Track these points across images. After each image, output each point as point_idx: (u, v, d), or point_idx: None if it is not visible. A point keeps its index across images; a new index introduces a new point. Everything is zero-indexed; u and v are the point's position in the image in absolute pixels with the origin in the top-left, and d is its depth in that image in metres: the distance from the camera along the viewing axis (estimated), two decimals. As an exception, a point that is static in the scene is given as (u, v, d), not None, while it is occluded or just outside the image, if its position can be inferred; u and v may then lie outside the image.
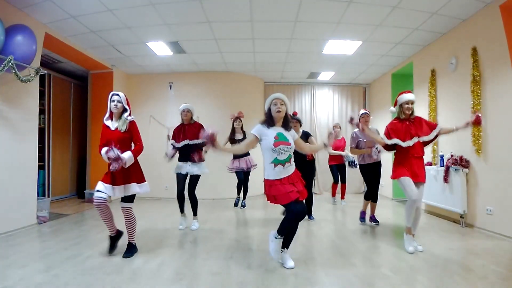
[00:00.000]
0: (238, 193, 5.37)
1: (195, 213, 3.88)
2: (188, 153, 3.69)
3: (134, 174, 2.78)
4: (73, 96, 6.34)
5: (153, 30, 4.35)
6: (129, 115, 2.84)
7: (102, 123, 2.86)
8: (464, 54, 3.92)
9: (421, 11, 3.69)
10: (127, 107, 2.83)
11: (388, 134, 3.02)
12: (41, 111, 5.02)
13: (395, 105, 3.15)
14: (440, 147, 4.46)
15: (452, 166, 3.93)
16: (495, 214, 3.43)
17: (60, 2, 3.50)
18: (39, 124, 4.13)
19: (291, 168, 2.50)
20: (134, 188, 2.75)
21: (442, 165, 4.21)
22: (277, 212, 4.94)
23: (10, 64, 3.15)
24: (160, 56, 5.42)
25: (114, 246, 2.85)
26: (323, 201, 5.81)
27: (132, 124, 2.82)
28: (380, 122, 6.68)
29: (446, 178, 4.04)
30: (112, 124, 2.81)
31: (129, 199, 2.80)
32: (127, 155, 2.67)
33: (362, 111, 4.16)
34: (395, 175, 3.02)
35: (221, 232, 3.67)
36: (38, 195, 4.17)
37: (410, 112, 2.99)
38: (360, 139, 4.01)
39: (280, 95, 2.58)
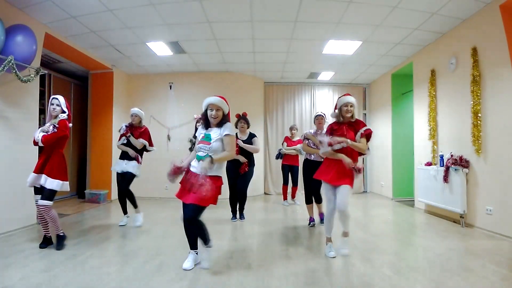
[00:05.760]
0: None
1: (135, 206, 3.97)
2: (127, 152, 3.87)
3: (49, 166, 2.86)
4: (73, 96, 6.34)
5: (153, 30, 4.35)
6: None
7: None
8: (464, 54, 3.92)
9: (421, 11, 3.69)
10: (65, 110, 2.96)
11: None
12: (41, 111, 5.00)
13: (335, 109, 2.96)
14: (440, 147, 4.47)
15: (452, 166, 3.92)
16: (495, 214, 3.43)
17: (60, 2, 3.50)
18: (39, 124, 4.12)
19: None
20: (42, 179, 2.84)
21: (442, 165, 4.21)
22: (277, 211, 4.95)
23: (10, 64, 3.15)
24: (160, 56, 5.42)
25: (46, 244, 2.97)
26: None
27: (60, 121, 2.90)
28: (380, 122, 6.69)
29: (446, 178, 4.04)
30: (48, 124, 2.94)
31: (46, 196, 2.84)
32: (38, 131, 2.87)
33: (318, 112, 3.98)
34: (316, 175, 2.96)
35: (221, 232, 3.67)
36: (38, 195, 4.17)
37: (350, 115, 2.84)
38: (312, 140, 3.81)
39: (216, 100, 2.44)
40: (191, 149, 4.99)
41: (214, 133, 2.49)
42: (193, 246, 2.58)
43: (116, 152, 5.91)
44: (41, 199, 2.84)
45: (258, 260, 2.67)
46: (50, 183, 2.83)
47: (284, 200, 5.69)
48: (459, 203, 3.81)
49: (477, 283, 2.19)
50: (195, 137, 4.93)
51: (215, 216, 4.53)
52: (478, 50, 3.69)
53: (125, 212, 4.01)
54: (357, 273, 2.40)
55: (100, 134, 5.99)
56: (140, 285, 2.19)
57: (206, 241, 2.50)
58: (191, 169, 2.50)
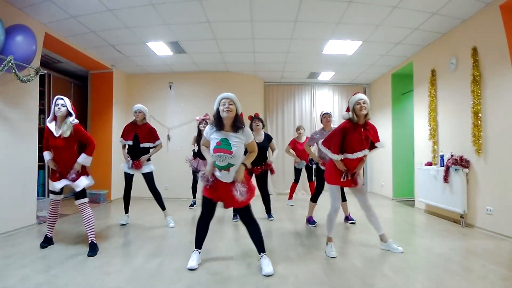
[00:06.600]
0: (194, 196, 5.32)
1: (162, 208, 3.98)
2: (135, 154, 3.86)
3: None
4: (73, 96, 6.33)
5: (153, 30, 4.35)
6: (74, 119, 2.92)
7: (45, 126, 2.90)
8: (464, 54, 3.92)
9: (421, 11, 3.69)
10: (71, 111, 2.86)
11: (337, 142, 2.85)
12: (41, 111, 5.01)
13: (347, 110, 2.91)
14: (441, 147, 4.46)
15: (452, 166, 3.92)
16: (495, 214, 3.43)
17: (60, 2, 3.50)
18: (39, 124, 4.12)
19: (228, 176, 2.42)
20: (83, 181, 2.92)
21: (442, 165, 4.21)
22: (277, 211, 4.94)
23: (10, 64, 3.15)
24: (160, 56, 5.42)
25: (46, 244, 3.00)
26: (324, 202, 5.80)
27: (77, 127, 2.87)
28: (380, 122, 6.68)
29: (446, 178, 4.03)
30: (56, 130, 2.83)
31: (80, 195, 2.95)
32: (81, 159, 2.91)
33: (324, 111, 4.02)
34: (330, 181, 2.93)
35: (221, 232, 3.67)
36: (38, 195, 4.17)
37: (366, 112, 2.75)
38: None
39: (229, 95, 2.42)
40: (195, 155, 5.05)
41: (233, 139, 2.38)
42: (199, 245, 2.62)
43: (116, 153, 5.93)
44: (76, 199, 2.93)
45: (258, 260, 2.66)
46: (81, 182, 2.92)
47: (289, 199, 5.61)
48: (459, 203, 3.81)
49: (477, 283, 2.19)
50: (198, 144, 4.99)
51: (216, 216, 4.53)
52: (478, 50, 3.69)
53: (126, 211, 4.03)
54: (357, 273, 2.40)
55: (99, 134, 5.99)
56: (140, 285, 2.19)
57: (264, 248, 2.55)
58: (218, 177, 2.46)
